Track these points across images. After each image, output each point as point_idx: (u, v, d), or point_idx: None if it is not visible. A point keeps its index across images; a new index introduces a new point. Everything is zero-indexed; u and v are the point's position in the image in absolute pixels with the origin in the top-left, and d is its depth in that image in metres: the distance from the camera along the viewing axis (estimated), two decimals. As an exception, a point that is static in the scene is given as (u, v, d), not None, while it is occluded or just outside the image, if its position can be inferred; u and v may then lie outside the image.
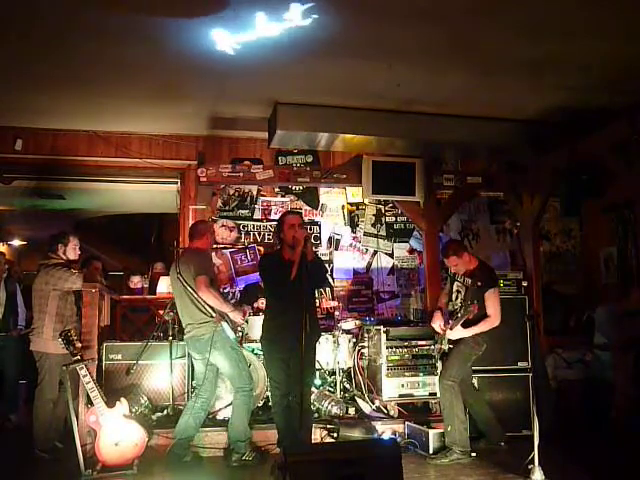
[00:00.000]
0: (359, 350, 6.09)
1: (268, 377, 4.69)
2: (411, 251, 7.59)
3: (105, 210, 10.59)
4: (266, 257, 5.65)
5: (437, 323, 5.10)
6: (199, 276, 4.58)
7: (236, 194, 7.18)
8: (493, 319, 4.81)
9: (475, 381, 5.34)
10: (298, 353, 4.04)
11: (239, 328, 5.52)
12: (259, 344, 4.98)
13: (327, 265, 7.23)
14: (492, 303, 4.85)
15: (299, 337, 3.96)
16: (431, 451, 4.87)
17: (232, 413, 4.81)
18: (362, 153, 6.66)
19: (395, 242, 7.57)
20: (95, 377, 4.69)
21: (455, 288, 5.13)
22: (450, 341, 4.98)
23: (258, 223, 7.21)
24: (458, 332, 4.86)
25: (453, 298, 5.14)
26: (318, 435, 5.18)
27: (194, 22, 4.13)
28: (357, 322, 6.44)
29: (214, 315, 4.65)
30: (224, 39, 4.33)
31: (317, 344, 4.74)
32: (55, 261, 5.06)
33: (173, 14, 4.03)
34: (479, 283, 4.85)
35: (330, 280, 7.26)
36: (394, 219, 7.60)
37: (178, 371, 5.58)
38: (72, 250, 5.14)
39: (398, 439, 5.14)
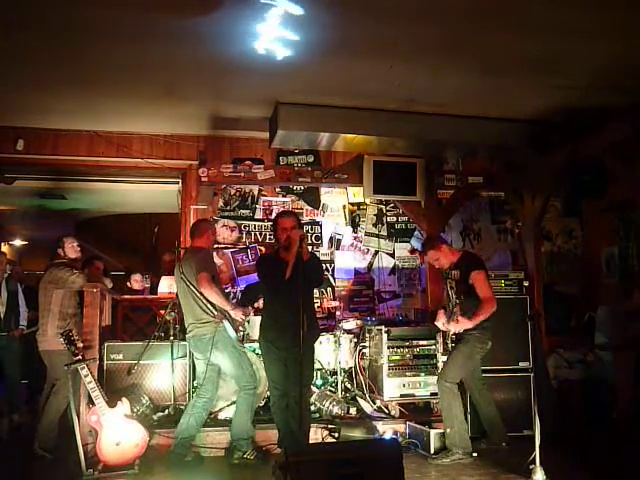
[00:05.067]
0: (360, 350, 6.07)
1: (267, 377, 4.70)
2: (412, 251, 7.57)
3: (106, 210, 10.60)
4: (263, 257, 5.71)
5: (440, 321, 5.09)
6: (201, 272, 4.61)
7: (237, 194, 7.18)
8: (488, 302, 4.75)
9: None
10: (296, 353, 4.05)
11: (240, 327, 5.53)
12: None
13: (328, 265, 7.25)
14: (480, 285, 4.80)
15: (296, 337, 3.95)
16: (432, 451, 4.86)
17: (235, 411, 4.82)
18: (363, 153, 6.67)
19: (396, 242, 7.56)
20: (96, 377, 4.69)
21: (449, 286, 5.13)
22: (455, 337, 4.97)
23: (259, 223, 7.20)
24: (459, 325, 4.80)
25: (450, 295, 5.14)
26: (319, 435, 5.18)
27: (195, 21, 4.13)
28: (358, 322, 6.42)
29: (216, 314, 4.67)
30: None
31: (316, 344, 4.73)
32: (59, 261, 5.26)
33: (174, 11, 4.03)
34: (463, 269, 4.88)
35: (331, 280, 7.26)
36: (395, 219, 7.59)
37: (179, 371, 5.58)
38: (70, 249, 5.31)
39: (399, 439, 5.14)
